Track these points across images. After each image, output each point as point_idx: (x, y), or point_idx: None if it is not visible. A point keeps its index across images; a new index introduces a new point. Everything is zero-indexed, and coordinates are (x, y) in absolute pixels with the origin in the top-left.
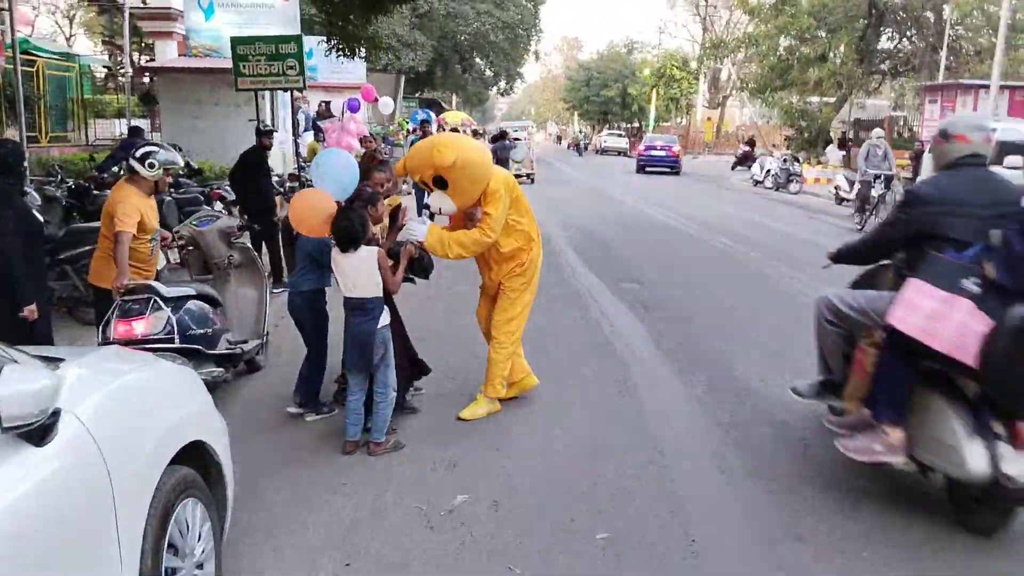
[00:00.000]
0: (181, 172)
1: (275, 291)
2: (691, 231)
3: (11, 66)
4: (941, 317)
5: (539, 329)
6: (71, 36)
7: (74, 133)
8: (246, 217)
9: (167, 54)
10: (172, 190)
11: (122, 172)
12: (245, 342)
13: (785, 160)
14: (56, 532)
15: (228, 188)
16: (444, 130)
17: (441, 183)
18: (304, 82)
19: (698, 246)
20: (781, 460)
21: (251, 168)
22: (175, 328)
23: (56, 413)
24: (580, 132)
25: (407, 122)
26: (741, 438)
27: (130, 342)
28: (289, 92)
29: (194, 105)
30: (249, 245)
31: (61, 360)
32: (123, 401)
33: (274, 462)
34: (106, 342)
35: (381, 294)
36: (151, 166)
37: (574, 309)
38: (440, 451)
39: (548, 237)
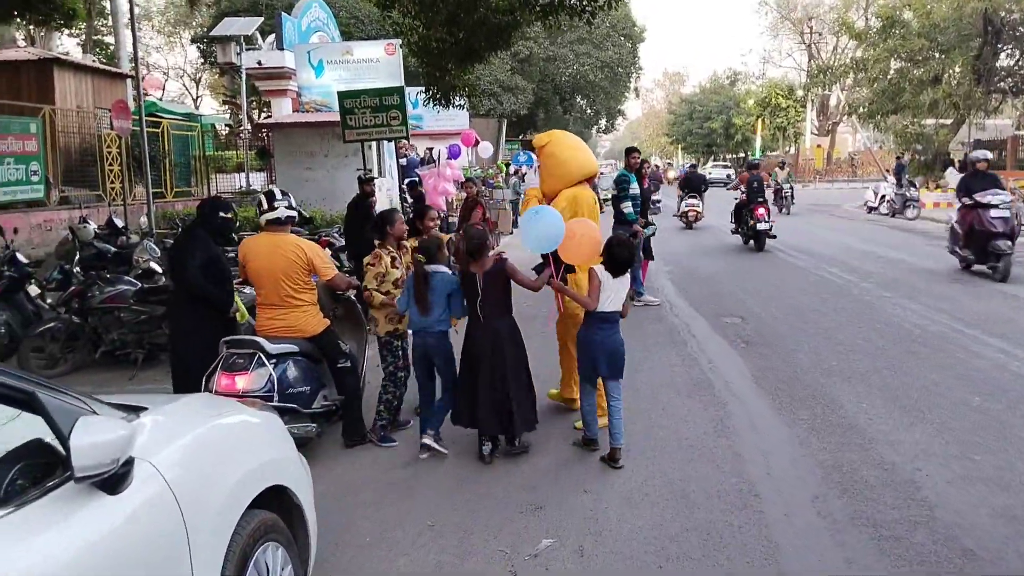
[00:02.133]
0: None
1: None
2: (799, 262)
3: (138, 128)
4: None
5: (633, 367)
6: (198, 97)
7: (197, 188)
8: (351, 263)
9: (282, 110)
10: None
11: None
12: (341, 397)
13: (901, 185)
14: None
15: (336, 235)
16: None
17: None
18: (407, 131)
19: (806, 277)
20: (887, 505)
21: (355, 214)
22: (275, 386)
23: (129, 462)
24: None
25: (506, 165)
26: (845, 481)
27: (231, 396)
28: (394, 141)
29: (306, 157)
30: (353, 299)
31: (143, 409)
32: (200, 448)
33: (363, 503)
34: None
35: None
36: (291, 207)
37: (671, 346)
38: (527, 494)
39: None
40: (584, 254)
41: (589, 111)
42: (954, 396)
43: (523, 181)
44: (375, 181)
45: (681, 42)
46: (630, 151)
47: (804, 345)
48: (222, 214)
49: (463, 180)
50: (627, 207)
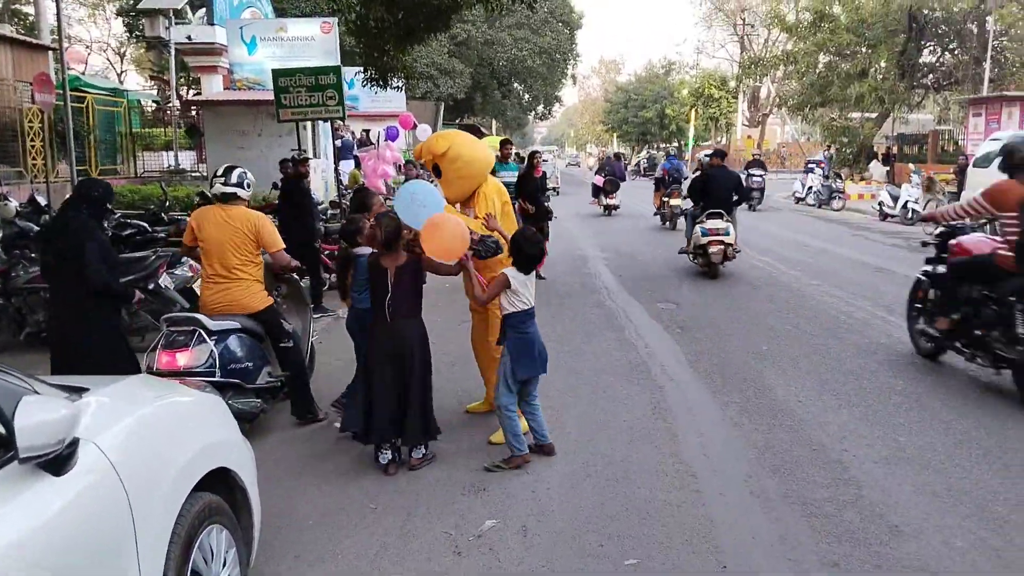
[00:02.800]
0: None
1: (315, 316)
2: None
3: (62, 103)
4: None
5: (572, 351)
6: (122, 72)
7: (123, 166)
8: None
9: (213, 88)
10: None
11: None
12: (286, 374)
13: (827, 176)
14: (75, 560)
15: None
16: None
17: (437, 172)
18: (343, 112)
19: (737, 265)
20: (817, 484)
21: (290, 196)
22: (216, 362)
23: (74, 443)
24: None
25: None
26: (776, 461)
27: (172, 373)
28: (329, 121)
29: (238, 136)
30: (296, 278)
31: (85, 389)
32: (145, 429)
33: (306, 485)
34: (149, 371)
35: None
36: (248, 186)
37: (608, 330)
38: (469, 475)
39: (584, 259)
40: (447, 248)
41: (527, 97)
42: (878, 380)
43: None
44: (309, 161)
45: (618, 30)
46: (504, 143)
47: (736, 330)
48: (109, 204)
49: (403, 163)
50: None
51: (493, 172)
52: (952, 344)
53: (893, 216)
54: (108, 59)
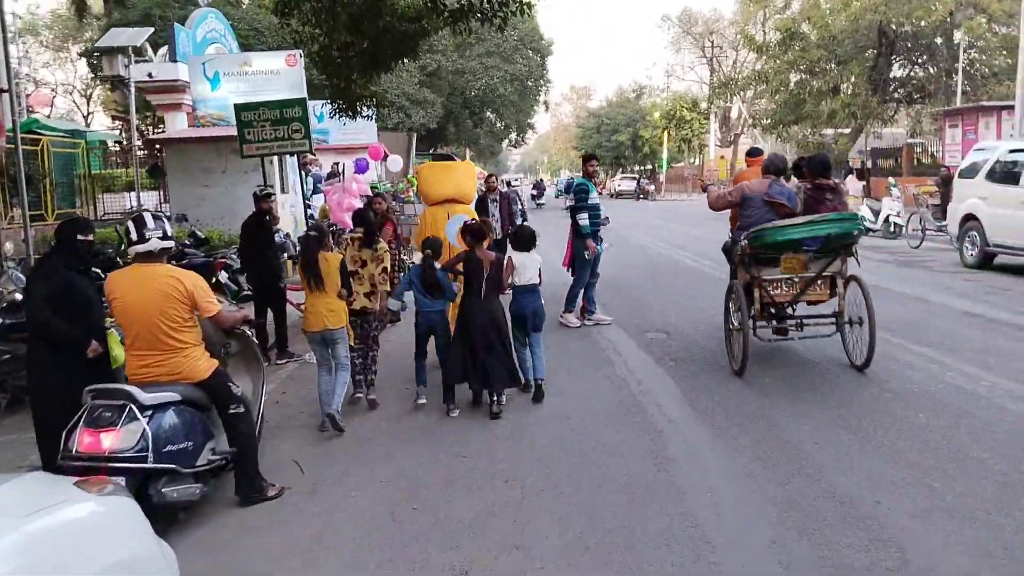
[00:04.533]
0: (186, 242)
1: (279, 362)
2: (715, 273)
3: (12, 146)
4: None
5: (557, 392)
6: (89, 114)
7: (82, 209)
8: (249, 287)
9: (177, 126)
10: (173, 261)
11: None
12: (232, 450)
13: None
14: None
15: (234, 256)
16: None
17: None
18: (311, 145)
19: (718, 287)
20: (853, 547)
21: (253, 234)
22: (149, 444)
23: None
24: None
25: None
26: (802, 519)
27: (94, 458)
28: (297, 155)
29: (202, 174)
30: (248, 332)
31: None
32: (22, 555)
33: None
34: (67, 453)
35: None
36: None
37: (597, 367)
38: (448, 555)
39: (565, 285)
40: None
41: (499, 125)
42: (896, 413)
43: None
44: (274, 197)
45: (587, 56)
46: (588, 158)
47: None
48: (80, 236)
49: (372, 195)
50: (583, 219)
51: (583, 193)
52: None
53: (874, 231)
54: (74, 101)
